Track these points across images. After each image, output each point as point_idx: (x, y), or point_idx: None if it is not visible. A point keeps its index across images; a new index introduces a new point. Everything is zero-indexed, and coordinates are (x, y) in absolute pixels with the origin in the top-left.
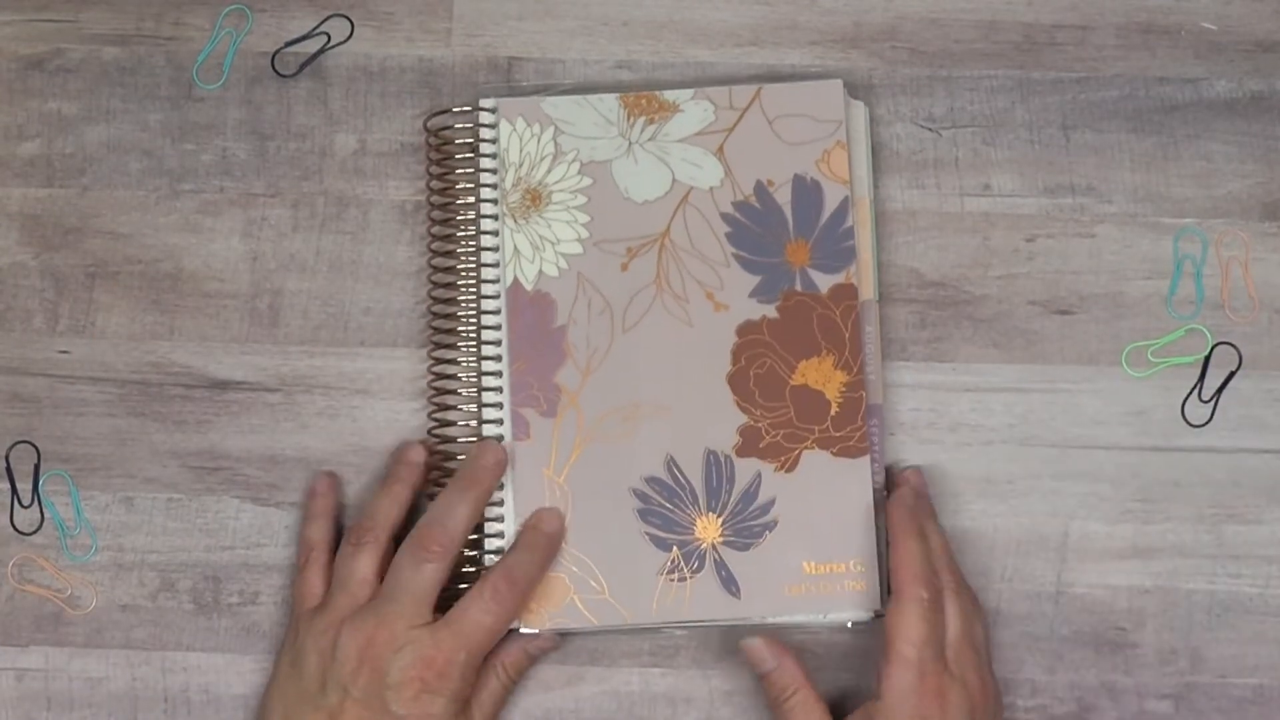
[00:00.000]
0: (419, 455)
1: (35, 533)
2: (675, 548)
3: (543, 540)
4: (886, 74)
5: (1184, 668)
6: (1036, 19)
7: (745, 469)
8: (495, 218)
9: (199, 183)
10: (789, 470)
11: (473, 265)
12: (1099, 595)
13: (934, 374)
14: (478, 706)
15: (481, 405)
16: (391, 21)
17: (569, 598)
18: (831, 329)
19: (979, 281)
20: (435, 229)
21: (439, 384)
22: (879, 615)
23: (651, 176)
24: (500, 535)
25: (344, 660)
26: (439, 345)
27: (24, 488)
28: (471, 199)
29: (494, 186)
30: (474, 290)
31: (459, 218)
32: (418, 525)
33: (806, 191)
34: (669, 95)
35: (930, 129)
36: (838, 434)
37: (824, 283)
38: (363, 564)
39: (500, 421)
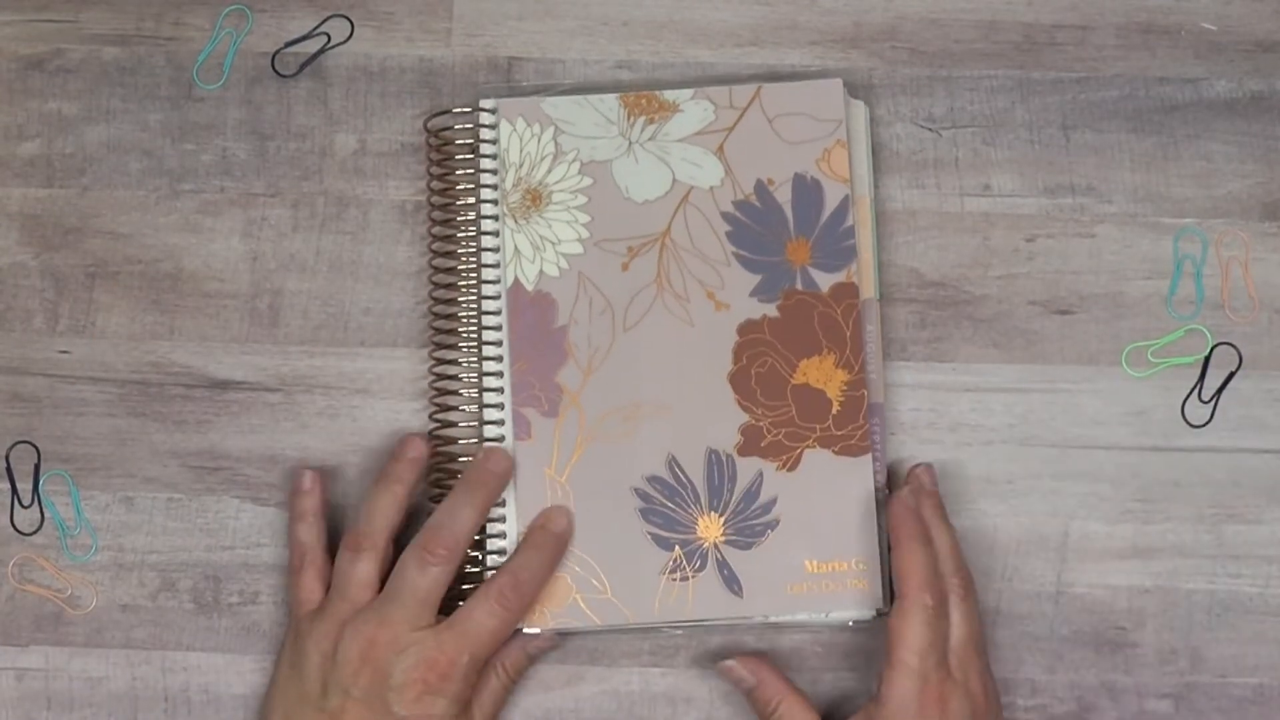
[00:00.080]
0: (419, 450)
1: (35, 533)
2: (677, 547)
3: (550, 540)
4: (886, 74)
5: (1184, 668)
6: (1036, 19)
7: (747, 468)
8: (496, 218)
9: (199, 183)
10: (791, 469)
11: (473, 265)
12: (1099, 595)
13: (934, 374)
14: (478, 707)
15: (483, 405)
16: (391, 21)
17: (571, 597)
18: (832, 328)
19: (979, 281)
20: (435, 229)
21: (440, 384)
22: (881, 614)
23: (652, 176)
24: (502, 536)
25: (345, 662)
26: (440, 345)
27: (24, 488)
28: (472, 199)
29: (494, 187)
30: (475, 290)
31: (459, 218)
32: (424, 528)
33: (807, 190)
34: (669, 95)
35: (930, 129)
36: (839, 433)
37: (825, 281)
38: (362, 570)
39: (501, 422)
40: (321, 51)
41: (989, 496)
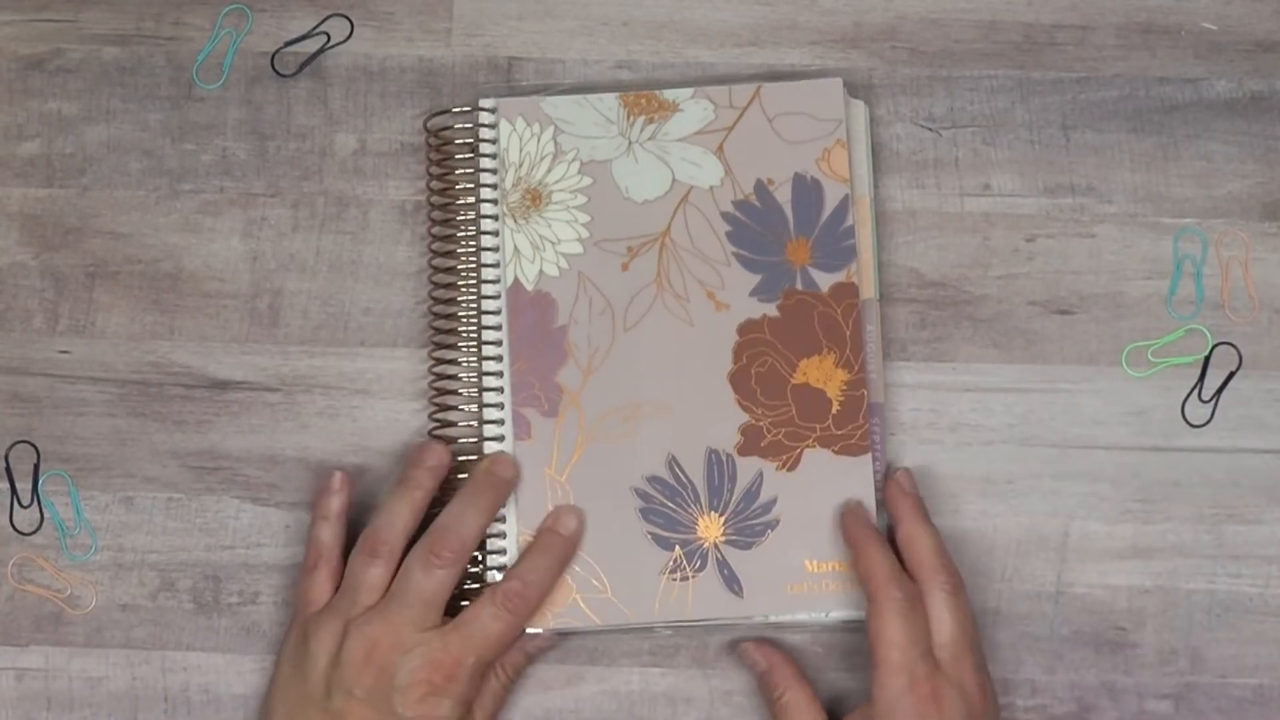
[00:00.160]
0: (439, 458)
1: (35, 533)
2: (677, 547)
3: (558, 543)
4: (886, 74)
5: (1184, 668)
6: (1036, 19)
7: (747, 468)
8: (495, 218)
9: (199, 183)
10: (791, 469)
11: (473, 265)
12: (1099, 595)
13: (934, 374)
14: (479, 707)
15: (482, 405)
16: (391, 21)
17: (571, 597)
18: (832, 327)
19: (979, 281)
20: (435, 229)
21: (440, 384)
22: None
23: (652, 176)
24: (502, 536)
25: (350, 662)
26: (439, 345)
27: (24, 488)
28: (471, 199)
29: (494, 186)
30: (474, 290)
31: (459, 218)
32: (429, 531)
33: (807, 190)
34: (669, 94)
35: (930, 129)
36: (839, 432)
37: (825, 281)
38: (375, 574)
39: (501, 421)
40: (321, 51)
41: (989, 496)
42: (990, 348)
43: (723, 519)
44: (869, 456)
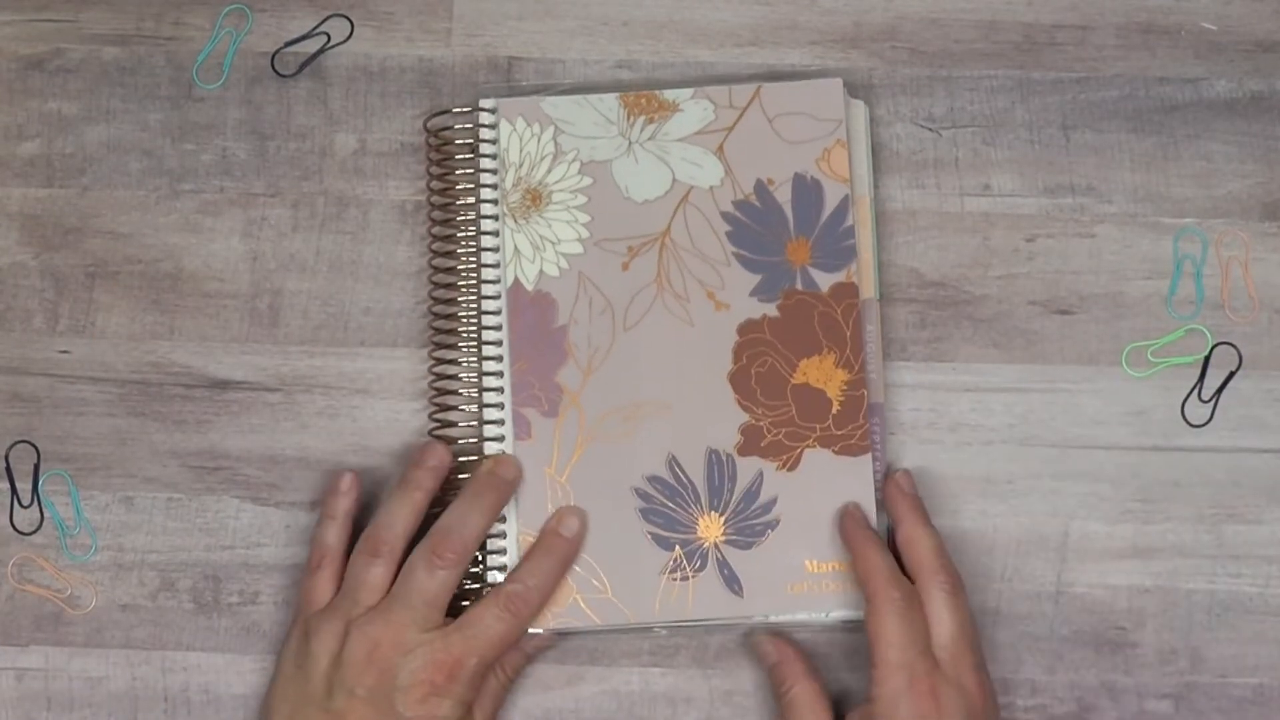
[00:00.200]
0: (441, 458)
1: (35, 532)
2: (677, 547)
3: (561, 545)
4: (886, 74)
5: (1184, 668)
6: (1036, 19)
7: (747, 468)
8: (495, 218)
9: (199, 183)
10: (791, 469)
11: (473, 265)
12: (1099, 595)
13: (934, 374)
14: (479, 707)
15: (483, 405)
16: (391, 21)
17: (571, 597)
18: (832, 327)
19: (979, 281)
20: (435, 229)
21: (440, 384)
22: None
23: (652, 176)
24: (502, 536)
25: (351, 662)
26: (440, 345)
27: (24, 487)
28: (471, 199)
29: (494, 186)
30: (474, 290)
31: (459, 218)
32: (432, 531)
33: (807, 190)
34: (669, 94)
35: (930, 129)
36: (839, 432)
37: (825, 281)
38: (376, 574)
39: (501, 421)
40: (321, 51)
41: (989, 496)
42: (990, 348)
43: (723, 519)
44: (869, 456)
